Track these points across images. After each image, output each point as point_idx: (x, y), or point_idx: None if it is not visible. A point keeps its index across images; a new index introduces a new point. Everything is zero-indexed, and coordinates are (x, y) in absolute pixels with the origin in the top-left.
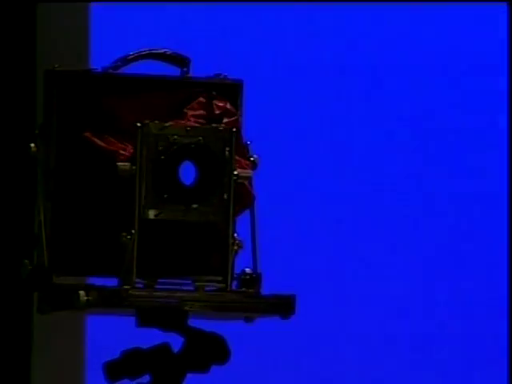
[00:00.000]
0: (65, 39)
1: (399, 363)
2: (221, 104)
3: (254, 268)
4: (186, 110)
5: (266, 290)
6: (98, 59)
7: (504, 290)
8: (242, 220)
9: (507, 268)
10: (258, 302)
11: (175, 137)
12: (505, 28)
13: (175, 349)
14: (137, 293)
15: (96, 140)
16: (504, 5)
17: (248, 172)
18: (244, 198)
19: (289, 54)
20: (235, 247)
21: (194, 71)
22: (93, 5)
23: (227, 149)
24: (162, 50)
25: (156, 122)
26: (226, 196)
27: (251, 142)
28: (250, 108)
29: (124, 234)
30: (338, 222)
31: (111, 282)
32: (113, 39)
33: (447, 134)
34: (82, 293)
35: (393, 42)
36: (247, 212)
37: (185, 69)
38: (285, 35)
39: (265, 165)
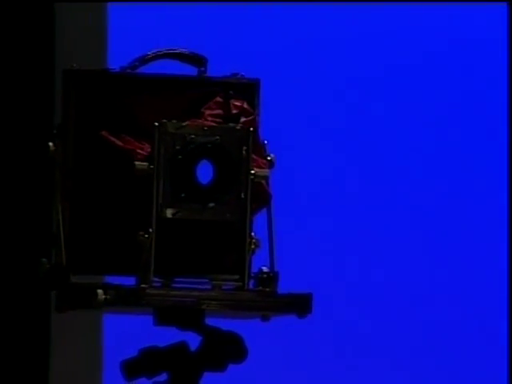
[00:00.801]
0: (82, 38)
1: (412, 361)
2: (238, 103)
3: (271, 267)
4: (203, 110)
5: (282, 288)
6: (116, 58)
7: (504, 290)
8: (259, 219)
9: (507, 268)
10: (275, 301)
11: (192, 136)
12: (505, 28)
13: (192, 347)
14: (154, 292)
15: (113, 139)
16: (504, 5)
17: (265, 171)
18: (261, 197)
19: (304, 52)
20: (252, 246)
21: (211, 70)
22: (110, 4)
23: (244, 148)
24: (179, 50)
25: (173, 121)
26: (242, 195)
27: (268, 141)
28: (268, 107)
29: (141, 232)
30: (355, 221)
31: (129, 281)
32: (130, 38)
33: (447, 134)
34: (99, 292)
35: (393, 42)
36: (264, 211)
37: (202, 68)
38: (301, 33)
39: (281, 164)
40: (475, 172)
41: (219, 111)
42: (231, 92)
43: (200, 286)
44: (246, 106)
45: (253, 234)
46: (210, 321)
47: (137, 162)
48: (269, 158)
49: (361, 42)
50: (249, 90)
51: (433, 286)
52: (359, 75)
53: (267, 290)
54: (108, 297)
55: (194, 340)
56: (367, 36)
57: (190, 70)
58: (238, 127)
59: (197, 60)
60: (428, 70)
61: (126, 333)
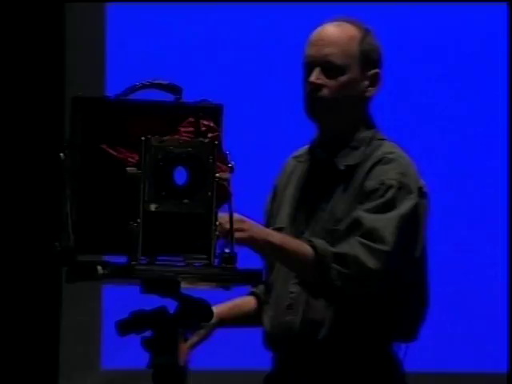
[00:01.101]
0: (83, 37)
1: None
2: (206, 122)
3: (231, 249)
4: (179, 127)
5: (240, 265)
6: (115, 60)
7: (504, 290)
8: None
9: (507, 268)
10: (235, 275)
11: (171, 148)
12: (505, 28)
13: (171, 311)
14: (141, 267)
15: (111, 150)
16: (504, 5)
17: (226, 175)
18: (223, 195)
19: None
20: (216, 233)
21: (186, 96)
22: (109, 4)
23: (210, 157)
24: (161, 82)
25: (156, 136)
26: (209, 193)
27: (229, 151)
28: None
29: (131, 222)
30: None
31: (122, 260)
32: (129, 37)
33: (447, 134)
34: (99, 267)
35: (393, 41)
36: (226, 205)
37: (178, 96)
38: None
39: (240, 169)
40: (475, 172)
41: (191, 128)
42: (201, 114)
43: (177, 264)
44: (212, 124)
45: (217, 223)
46: (184, 290)
47: (128, 168)
48: (230, 165)
49: None
50: (215, 112)
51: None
52: None
53: (229, 266)
54: (106, 271)
55: (171, 305)
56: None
57: (168, 97)
58: (206, 141)
59: (174, 89)
60: (428, 70)
61: (122, 300)
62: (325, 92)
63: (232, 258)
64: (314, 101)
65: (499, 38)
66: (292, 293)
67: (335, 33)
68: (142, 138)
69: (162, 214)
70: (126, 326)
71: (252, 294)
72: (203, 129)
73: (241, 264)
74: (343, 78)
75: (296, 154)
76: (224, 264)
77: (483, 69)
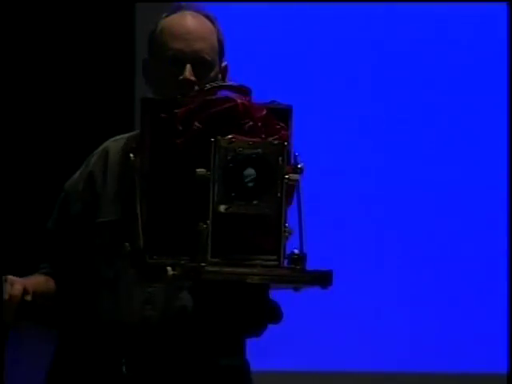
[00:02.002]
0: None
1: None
2: (275, 124)
3: (301, 249)
4: (248, 128)
5: (309, 266)
6: None
7: (504, 290)
8: (292, 212)
9: (507, 268)
10: (304, 276)
11: (240, 149)
12: (505, 28)
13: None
14: (210, 269)
15: (180, 151)
16: (504, 5)
17: (296, 176)
18: (292, 196)
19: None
20: (286, 234)
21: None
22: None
23: (280, 158)
24: (230, 83)
25: (225, 137)
26: (279, 194)
27: (298, 153)
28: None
29: (201, 223)
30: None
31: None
32: None
33: (446, 133)
34: (169, 269)
35: (392, 42)
36: (296, 206)
37: (247, 97)
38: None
39: (310, 171)
40: (475, 172)
41: (261, 129)
42: (270, 116)
43: (245, 265)
44: (281, 125)
45: (287, 224)
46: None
47: (198, 169)
48: (299, 166)
49: (358, 41)
50: (284, 113)
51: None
52: (358, 74)
53: (298, 267)
54: (176, 273)
55: None
56: (366, 36)
57: None
58: (276, 142)
59: (243, 90)
60: (427, 70)
61: None
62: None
63: (301, 258)
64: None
65: (499, 38)
66: (151, 286)
67: (200, 26)
68: (212, 139)
69: (231, 215)
70: None
71: (45, 274)
72: (273, 130)
73: (310, 265)
74: (212, 75)
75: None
76: (293, 265)
77: (483, 69)
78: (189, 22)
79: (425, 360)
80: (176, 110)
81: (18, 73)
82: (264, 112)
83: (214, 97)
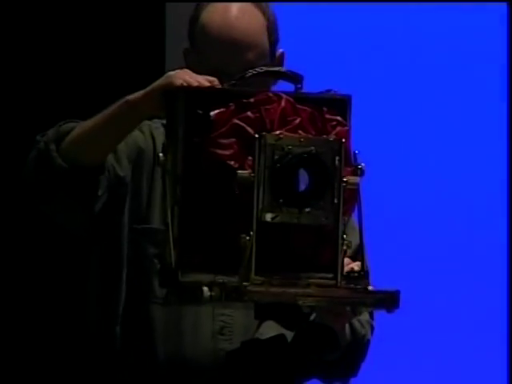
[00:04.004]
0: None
1: None
2: (331, 117)
3: (362, 265)
4: (298, 122)
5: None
6: None
7: (504, 290)
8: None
9: (507, 268)
10: (366, 297)
11: (290, 147)
12: (505, 28)
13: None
14: (255, 289)
15: (218, 150)
16: (504, 5)
17: (356, 179)
18: (352, 203)
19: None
20: (344, 247)
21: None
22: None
23: (337, 158)
24: (278, 68)
25: (272, 133)
26: (335, 201)
27: (359, 151)
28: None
29: (243, 235)
30: (444, 223)
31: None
32: None
33: (447, 134)
34: (205, 289)
35: (392, 42)
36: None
37: (299, 85)
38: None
39: (371, 171)
40: (475, 172)
41: (314, 123)
42: (325, 108)
43: (297, 284)
44: (338, 118)
45: (345, 236)
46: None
47: (239, 171)
48: (359, 167)
49: (357, 41)
50: (341, 104)
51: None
52: (359, 73)
53: (359, 287)
54: (213, 294)
55: None
56: (365, 36)
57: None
58: (331, 138)
59: (294, 78)
60: (427, 70)
61: None
62: None
63: (363, 276)
64: None
65: (499, 38)
66: (223, 314)
67: (247, 27)
68: (256, 135)
69: (279, 226)
70: None
71: None
72: (328, 124)
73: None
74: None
75: None
76: (353, 284)
77: (483, 69)
78: (234, 22)
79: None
80: (211, 113)
81: (50, 69)
82: (309, 110)
83: (252, 96)
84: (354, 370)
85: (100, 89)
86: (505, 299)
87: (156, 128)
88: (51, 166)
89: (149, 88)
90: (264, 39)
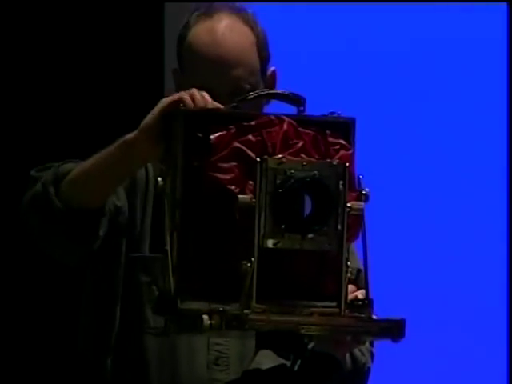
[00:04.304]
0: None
1: None
2: (334, 140)
3: (366, 294)
4: (301, 146)
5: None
6: None
7: (504, 291)
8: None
9: (507, 269)
10: (370, 326)
11: (292, 171)
12: (505, 28)
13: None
14: (256, 317)
15: (218, 175)
16: (504, 5)
17: (360, 204)
18: (356, 229)
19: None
20: (348, 274)
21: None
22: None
23: (341, 182)
24: (280, 91)
25: (274, 157)
26: (339, 227)
27: (363, 176)
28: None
29: (244, 262)
30: (445, 251)
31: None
32: None
33: (447, 134)
34: (205, 317)
35: (391, 42)
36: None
37: (301, 108)
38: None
39: (376, 195)
40: (475, 172)
41: (317, 147)
42: (328, 132)
43: (299, 312)
44: (342, 142)
45: (349, 263)
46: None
47: (240, 196)
48: (363, 192)
49: (357, 41)
50: (345, 127)
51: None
52: (359, 74)
53: (363, 315)
54: (213, 322)
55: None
56: (365, 36)
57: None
58: (335, 162)
59: (296, 100)
60: (426, 70)
61: None
62: None
63: (367, 305)
64: None
65: (499, 38)
66: (218, 344)
67: (235, 43)
68: (257, 158)
69: (281, 252)
70: None
71: None
72: (331, 147)
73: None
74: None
75: None
76: (357, 313)
77: (483, 69)
78: (221, 39)
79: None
80: (211, 136)
81: (48, 72)
82: (312, 134)
83: (253, 118)
84: None
85: (98, 89)
86: (505, 299)
87: None
88: (50, 210)
89: (143, 123)
90: (253, 56)
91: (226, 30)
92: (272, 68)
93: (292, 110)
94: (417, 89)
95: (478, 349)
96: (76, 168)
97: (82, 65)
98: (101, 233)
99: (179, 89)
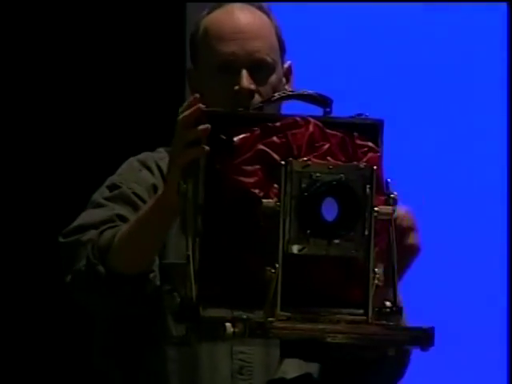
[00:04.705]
0: None
1: None
2: (362, 142)
3: (394, 301)
4: (327, 148)
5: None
6: None
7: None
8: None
9: (507, 269)
10: (399, 334)
11: (318, 174)
12: (505, 28)
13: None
14: (281, 325)
15: (241, 178)
16: (504, 5)
17: (388, 209)
18: (384, 234)
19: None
20: (376, 281)
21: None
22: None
23: (368, 186)
24: (305, 91)
25: (299, 160)
26: (366, 232)
27: (391, 179)
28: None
29: (268, 268)
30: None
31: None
32: None
33: (445, 134)
34: (228, 325)
35: (391, 42)
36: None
37: (327, 109)
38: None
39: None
40: (475, 172)
41: (344, 150)
42: (356, 134)
43: (325, 320)
44: (370, 144)
45: (376, 269)
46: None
47: (264, 200)
48: (392, 196)
49: (356, 41)
50: (373, 129)
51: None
52: (359, 74)
53: (391, 323)
54: (236, 330)
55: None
56: (365, 36)
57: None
58: (362, 165)
59: (322, 101)
60: (426, 70)
61: None
62: (258, 101)
63: (395, 312)
64: None
65: (499, 38)
66: (241, 353)
67: (253, 20)
68: (282, 161)
69: (306, 258)
70: None
71: None
72: (358, 150)
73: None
74: (273, 79)
75: None
76: (385, 320)
77: (483, 69)
78: (238, 16)
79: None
80: (234, 138)
81: (70, 70)
82: (339, 136)
83: (278, 120)
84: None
85: (120, 90)
86: (505, 300)
87: (161, 159)
88: (103, 287)
89: (167, 177)
90: (271, 34)
91: (241, 11)
92: (288, 62)
93: (317, 110)
94: (417, 89)
95: (478, 349)
96: (118, 238)
97: (103, 66)
98: (157, 282)
99: (193, 90)
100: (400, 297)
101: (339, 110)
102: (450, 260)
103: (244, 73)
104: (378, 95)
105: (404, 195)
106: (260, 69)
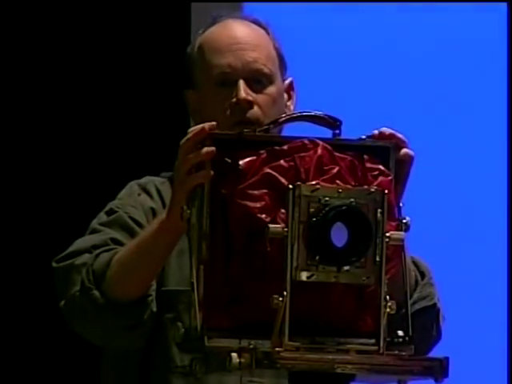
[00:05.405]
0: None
1: None
2: (372, 165)
3: (407, 329)
4: (336, 171)
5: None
6: None
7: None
8: None
9: (507, 269)
10: (411, 365)
11: (327, 198)
12: (505, 28)
13: None
14: (289, 355)
15: (248, 202)
16: (504, 5)
17: (400, 234)
18: (396, 261)
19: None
20: (388, 309)
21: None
22: (244, 4)
23: (379, 210)
24: (314, 112)
25: (307, 184)
26: (377, 258)
27: (403, 203)
28: None
29: (276, 296)
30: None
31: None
32: None
33: (445, 134)
34: (234, 355)
35: (391, 42)
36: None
37: (337, 131)
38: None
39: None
40: (475, 172)
41: (354, 173)
42: (366, 156)
43: (334, 350)
44: (381, 168)
45: (388, 297)
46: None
47: (271, 225)
48: (404, 221)
49: (356, 41)
50: (383, 152)
51: None
52: (359, 74)
53: (404, 353)
54: (243, 360)
55: None
56: (364, 36)
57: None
58: (373, 189)
59: (331, 123)
60: (426, 70)
61: None
62: (257, 112)
63: (408, 342)
64: (245, 124)
65: (499, 38)
66: (251, 382)
67: (250, 32)
68: (290, 185)
69: (315, 285)
70: None
71: None
72: (369, 173)
73: None
74: (272, 90)
75: None
76: (398, 350)
77: (483, 69)
78: (234, 28)
79: None
80: (240, 162)
81: (73, 71)
82: (349, 159)
83: (286, 143)
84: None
85: (124, 89)
86: (505, 300)
87: (162, 183)
88: (98, 312)
89: (171, 203)
90: (269, 46)
91: (237, 25)
92: (289, 78)
93: (326, 132)
94: (416, 89)
95: (478, 349)
96: (115, 262)
97: (107, 66)
98: (153, 308)
99: (193, 112)
100: (438, 294)
101: (339, 111)
102: (450, 260)
103: (241, 83)
104: (378, 95)
105: (404, 195)
106: (258, 79)
